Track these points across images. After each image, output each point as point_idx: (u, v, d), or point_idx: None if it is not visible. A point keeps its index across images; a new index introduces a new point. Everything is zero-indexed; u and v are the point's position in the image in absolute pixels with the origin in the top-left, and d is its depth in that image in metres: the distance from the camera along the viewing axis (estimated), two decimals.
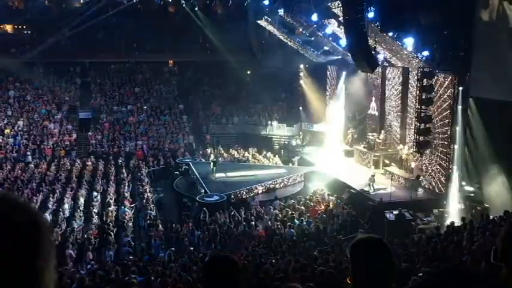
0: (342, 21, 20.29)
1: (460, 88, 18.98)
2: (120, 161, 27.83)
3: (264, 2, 26.80)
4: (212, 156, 25.30)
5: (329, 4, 21.39)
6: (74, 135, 31.56)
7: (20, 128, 31.31)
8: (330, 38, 25.33)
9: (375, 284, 2.10)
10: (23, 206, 0.98)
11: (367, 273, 2.10)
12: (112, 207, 20.53)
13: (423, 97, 19.90)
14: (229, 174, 24.67)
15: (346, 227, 18.72)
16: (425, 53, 19.64)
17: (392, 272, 2.16)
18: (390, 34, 19.66)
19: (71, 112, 34.02)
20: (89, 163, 27.28)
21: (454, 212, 18.24)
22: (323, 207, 20.60)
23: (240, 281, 2.41)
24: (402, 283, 5.56)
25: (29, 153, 28.57)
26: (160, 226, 18.84)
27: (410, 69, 22.04)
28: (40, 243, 0.96)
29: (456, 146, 19.24)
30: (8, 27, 38.79)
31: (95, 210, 20.35)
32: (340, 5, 19.82)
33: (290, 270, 10.05)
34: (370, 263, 2.10)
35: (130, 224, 19.32)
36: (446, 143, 19.74)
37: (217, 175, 24.27)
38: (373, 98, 26.02)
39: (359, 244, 2.20)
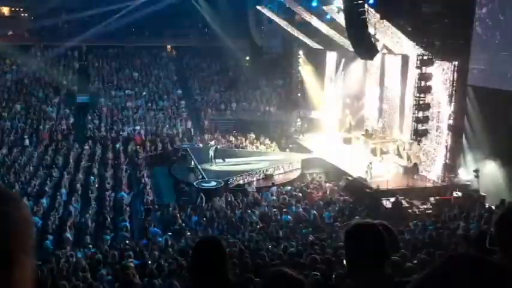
0: (341, 7, 20.16)
1: (460, 76, 18.93)
2: (118, 145, 27.81)
3: None
4: (212, 142, 25.20)
5: None
6: (72, 120, 31.49)
7: (17, 112, 31.22)
8: (330, 24, 25.12)
9: (369, 268, 2.12)
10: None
11: (362, 257, 2.12)
12: (109, 192, 20.59)
13: (422, 85, 19.84)
14: (227, 160, 24.68)
15: (343, 214, 18.78)
16: (425, 41, 19.53)
17: (386, 256, 2.17)
18: (390, 21, 19.52)
19: (68, 96, 33.91)
20: (87, 147, 27.27)
21: (450, 200, 18.31)
22: (320, 194, 20.66)
23: (225, 261, 2.45)
24: (397, 270, 5.60)
25: (26, 136, 28.53)
26: (157, 211, 18.92)
27: (409, 57, 21.96)
28: (13, 223, 0.90)
29: (454, 135, 19.26)
30: (5, 10, 38.46)
31: (93, 194, 20.39)
32: None
33: (286, 256, 10.12)
34: (364, 246, 2.11)
35: (127, 208, 19.37)
36: (444, 131, 19.74)
37: (216, 161, 24.24)
38: (372, 86, 25.96)
39: (355, 228, 2.22)
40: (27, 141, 28.07)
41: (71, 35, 35.90)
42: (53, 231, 16.75)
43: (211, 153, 24.13)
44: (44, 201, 19.26)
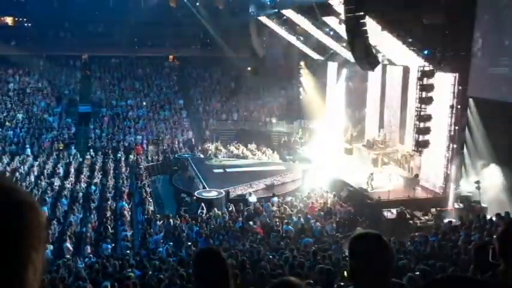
0: (342, 18, 20.24)
1: (460, 87, 18.96)
2: (119, 155, 27.83)
3: None
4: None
5: (330, 1, 21.33)
6: (73, 129, 31.55)
7: (19, 121, 31.28)
8: (331, 35, 25.22)
9: (373, 278, 2.10)
10: (8, 186, 0.93)
11: (366, 267, 2.10)
12: (110, 202, 20.55)
13: (423, 96, 19.87)
14: (228, 170, 24.68)
15: (344, 225, 18.74)
16: (426, 52, 19.59)
17: (390, 267, 2.16)
18: (391, 32, 19.59)
19: (70, 105, 34.00)
20: (88, 157, 27.28)
21: (452, 211, 18.26)
22: (321, 204, 20.59)
23: (227, 271, 2.44)
24: (399, 280, 5.58)
25: (28, 146, 28.56)
26: (158, 221, 18.86)
27: (410, 68, 22.01)
28: (26, 224, 0.91)
29: (455, 146, 19.24)
30: (9, 20, 38.71)
31: (93, 204, 20.36)
32: (341, 2, 19.75)
33: (288, 266, 10.07)
34: (369, 257, 2.10)
35: (128, 218, 19.32)
36: (445, 142, 19.71)
37: (216, 169, 24.28)
38: (373, 96, 26.00)
39: (359, 238, 2.21)
40: (28, 151, 28.08)
41: (74, 45, 36.10)
42: (53, 240, 16.70)
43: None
44: (45, 210, 19.23)
